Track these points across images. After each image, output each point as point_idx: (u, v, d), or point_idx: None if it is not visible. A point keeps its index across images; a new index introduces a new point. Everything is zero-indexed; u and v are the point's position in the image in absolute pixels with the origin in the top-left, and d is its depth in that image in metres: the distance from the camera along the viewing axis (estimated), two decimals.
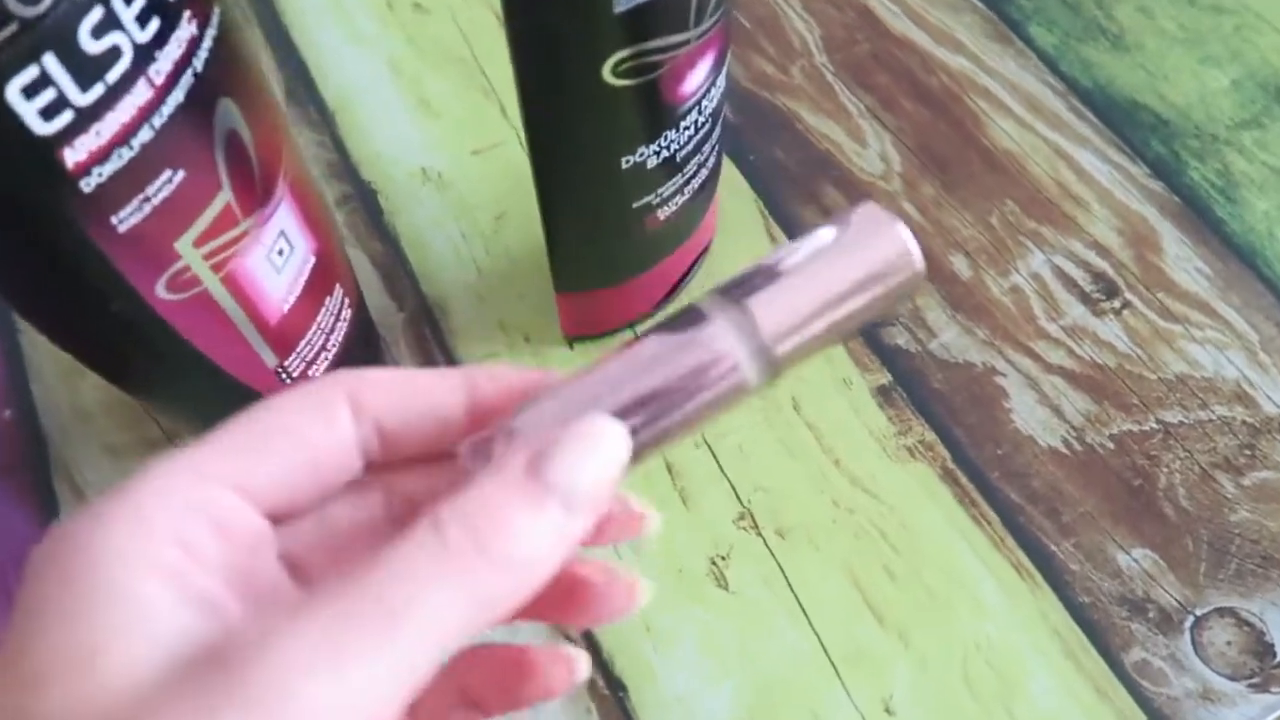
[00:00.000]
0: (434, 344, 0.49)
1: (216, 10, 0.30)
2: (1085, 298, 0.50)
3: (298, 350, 0.39)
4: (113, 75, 0.26)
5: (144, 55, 0.27)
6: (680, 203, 0.43)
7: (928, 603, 0.42)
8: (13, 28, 0.24)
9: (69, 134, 0.26)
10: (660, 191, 0.41)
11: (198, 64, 0.29)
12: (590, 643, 0.42)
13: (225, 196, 0.31)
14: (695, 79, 0.37)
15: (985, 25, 0.59)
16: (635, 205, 0.41)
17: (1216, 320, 0.49)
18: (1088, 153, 0.54)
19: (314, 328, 0.39)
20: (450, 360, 0.49)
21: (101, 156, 0.27)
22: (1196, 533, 0.43)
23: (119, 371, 0.37)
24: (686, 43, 0.35)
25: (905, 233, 0.23)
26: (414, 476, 0.24)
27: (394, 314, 0.50)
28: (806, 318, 0.22)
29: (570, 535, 0.20)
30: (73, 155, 0.26)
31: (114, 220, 0.28)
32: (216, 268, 0.33)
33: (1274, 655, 0.41)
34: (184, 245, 0.31)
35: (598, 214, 0.41)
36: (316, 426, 0.21)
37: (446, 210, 0.54)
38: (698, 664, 0.41)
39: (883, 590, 0.42)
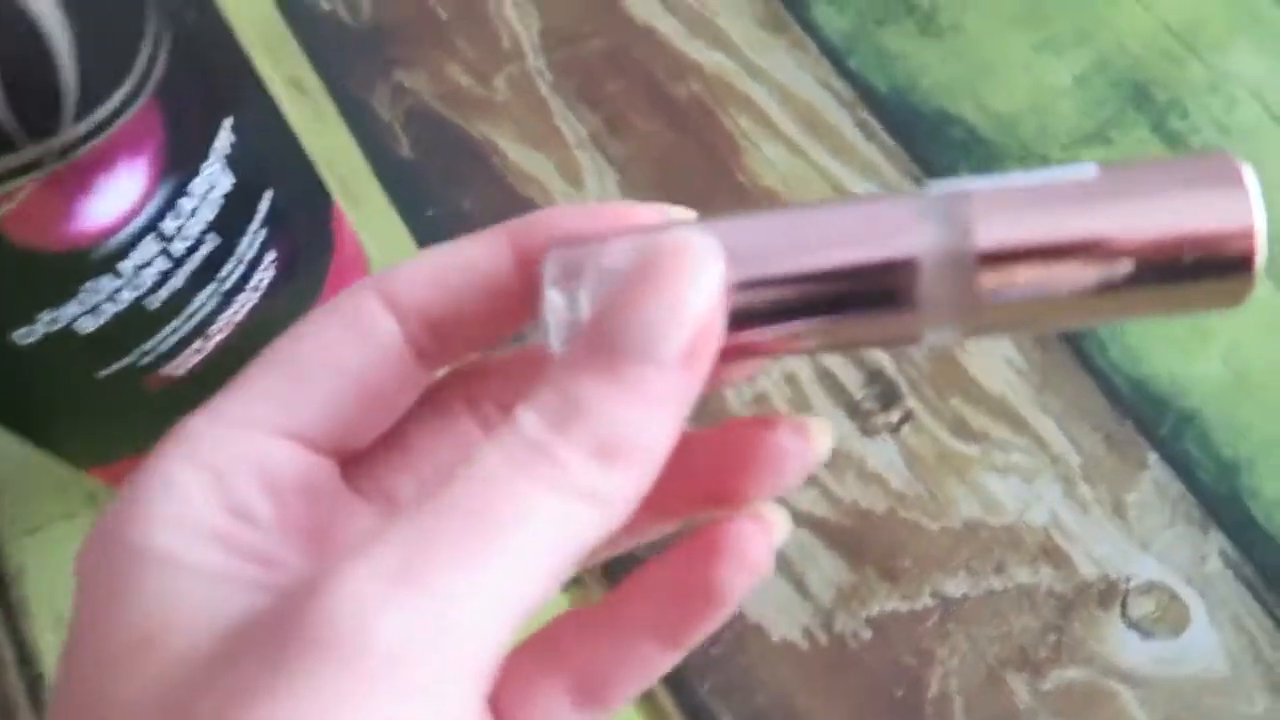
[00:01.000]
0: None
1: None
2: (853, 408, 0.37)
3: None
4: None
5: None
6: (208, 346, 0.29)
7: None
8: None
9: None
10: (146, 349, 0.27)
11: None
12: None
13: None
14: (107, 206, 0.23)
15: (757, 3, 0.45)
16: (108, 373, 0.27)
17: (1026, 435, 0.36)
18: (875, 186, 0.41)
19: None
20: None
21: None
22: None
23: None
24: (44, 163, 0.21)
25: (1254, 193, 0.15)
26: (490, 377, 0.22)
27: None
28: (1044, 249, 0.16)
29: (675, 394, 0.17)
30: None
31: None
32: None
33: None
34: None
35: (47, 395, 0.27)
36: (353, 345, 0.19)
37: None
38: None
39: None
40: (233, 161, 0.27)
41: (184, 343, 0.28)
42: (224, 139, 0.27)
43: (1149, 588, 0.34)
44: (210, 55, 0.27)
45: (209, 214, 0.27)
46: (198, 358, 0.29)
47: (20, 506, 0.37)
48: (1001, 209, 0.16)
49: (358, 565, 0.15)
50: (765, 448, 0.21)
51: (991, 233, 0.16)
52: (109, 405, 0.28)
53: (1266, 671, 0.32)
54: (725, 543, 0.20)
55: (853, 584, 0.34)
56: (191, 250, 0.27)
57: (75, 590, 0.17)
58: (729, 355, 0.17)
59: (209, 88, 0.26)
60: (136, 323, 0.26)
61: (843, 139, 0.42)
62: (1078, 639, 0.33)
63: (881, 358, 0.37)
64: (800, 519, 0.35)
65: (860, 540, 0.35)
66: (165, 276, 0.26)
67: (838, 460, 0.36)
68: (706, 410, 0.36)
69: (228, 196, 0.27)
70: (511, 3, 0.45)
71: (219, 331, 0.29)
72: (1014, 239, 0.16)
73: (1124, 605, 0.34)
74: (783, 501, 0.21)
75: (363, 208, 0.41)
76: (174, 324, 0.27)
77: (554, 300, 0.18)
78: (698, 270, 0.17)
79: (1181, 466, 0.36)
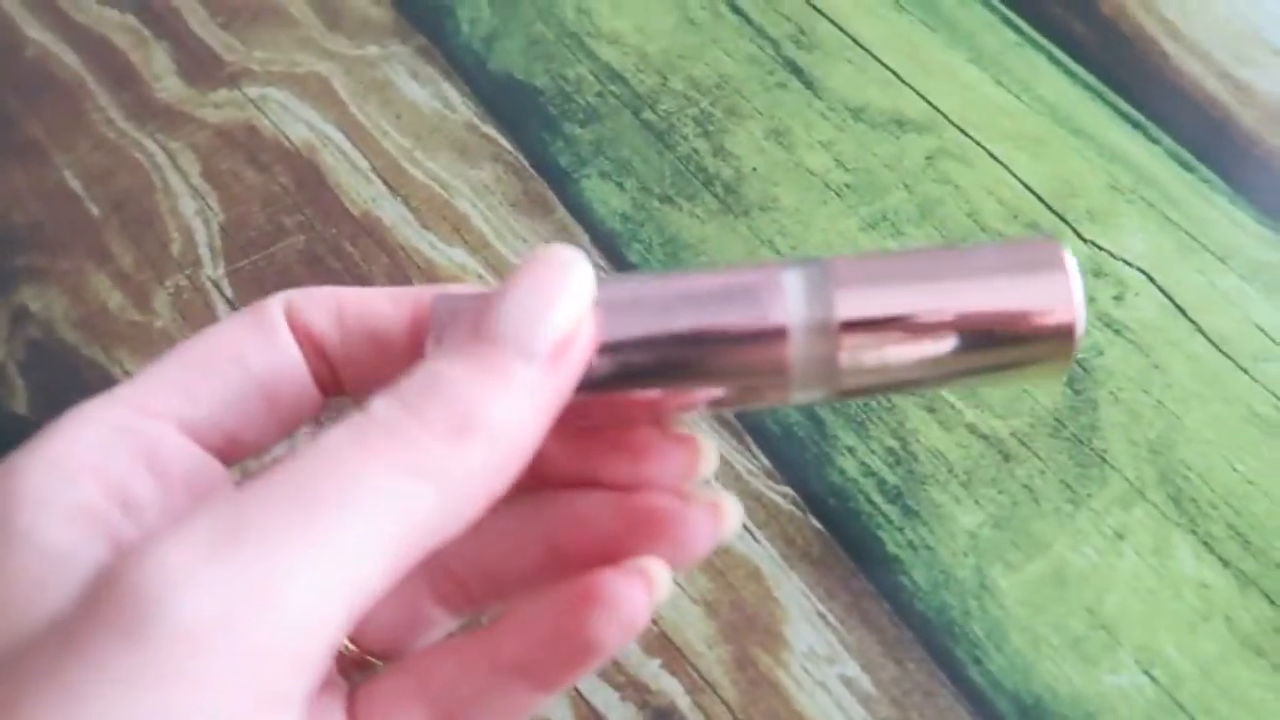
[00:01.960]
0: None
1: None
2: None
3: None
4: None
5: None
6: None
7: None
8: None
9: None
10: None
11: None
12: None
13: None
14: None
15: (511, 178, 0.34)
16: None
17: None
18: None
19: None
20: None
21: None
22: None
23: None
24: None
25: (1075, 275, 0.18)
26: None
27: None
28: (902, 319, 0.18)
29: (539, 389, 0.17)
30: None
31: None
32: None
33: None
34: None
35: None
36: (257, 347, 0.19)
37: None
38: None
39: None
40: None
41: None
42: None
43: None
44: None
45: None
46: None
47: None
48: (862, 282, 0.18)
49: (166, 539, 0.14)
50: (677, 522, 0.20)
51: (852, 304, 0.18)
52: None
53: None
54: (602, 594, 0.19)
55: None
56: None
57: None
58: (610, 411, 0.19)
59: None
60: None
61: None
62: None
63: (675, 690, 0.26)
64: None
65: None
66: None
67: None
68: None
69: None
70: (188, 192, 0.34)
71: None
72: (873, 310, 0.18)
73: None
74: None
75: None
76: None
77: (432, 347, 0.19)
78: (569, 272, 0.17)
79: None
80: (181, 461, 0.19)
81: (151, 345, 0.31)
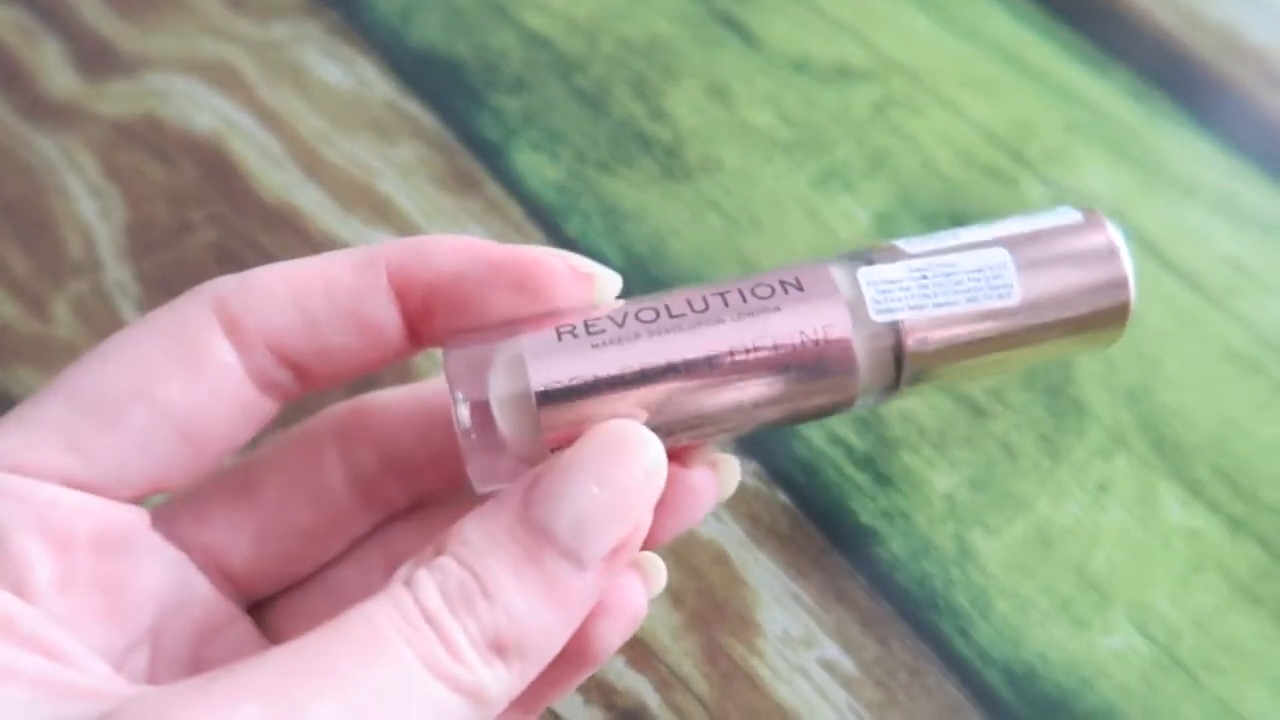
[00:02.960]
0: None
1: None
2: None
3: None
4: None
5: None
6: None
7: None
8: None
9: None
10: None
11: None
12: None
13: None
14: None
15: (436, 155, 0.32)
16: None
17: None
18: None
19: None
20: None
21: None
22: None
23: None
24: None
25: (1124, 251, 0.19)
26: (371, 420, 0.19)
27: None
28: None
29: (588, 595, 0.16)
30: None
31: None
32: None
33: None
34: None
35: None
36: (176, 375, 0.16)
37: None
38: None
39: None
40: None
41: None
42: None
43: None
44: None
45: None
46: None
47: None
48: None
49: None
50: (681, 487, 0.18)
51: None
52: None
53: None
54: (605, 597, 0.17)
55: None
56: None
57: None
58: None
59: None
60: None
61: None
62: None
63: (643, 689, 0.24)
64: None
65: None
66: None
67: None
68: None
69: None
70: (88, 192, 0.32)
71: None
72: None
73: None
74: None
75: None
76: None
77: (463, 419, 0.17)
78: (636, 464, 0.16)
79: None
80: (82, 522, 0.17)
81: (53, 358, 0.29)
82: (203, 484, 0.20)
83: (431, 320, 0.18)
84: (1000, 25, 0.35)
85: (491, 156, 0.32)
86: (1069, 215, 0.20)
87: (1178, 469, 0.27)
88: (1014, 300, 0.19)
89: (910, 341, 0.18)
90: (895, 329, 0.18)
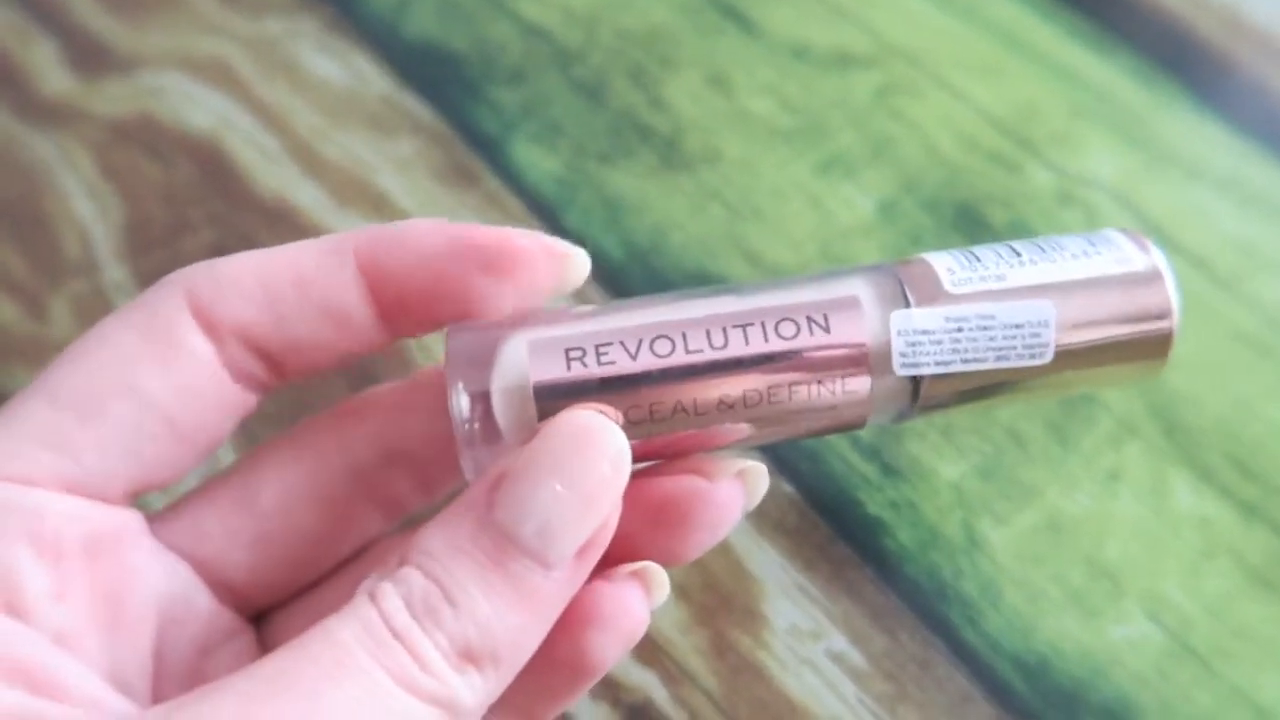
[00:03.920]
0: None
1: None
2: None
3: None
4: None
5: None
6: None
7: None
8: None
9: None
10: None
11: None
12: None
13: None
14: None
15: (434, 148, 0.32)
16: None
17: None
18: None
19: None
20: None
21: None
22: None
23: None
24: None
25: (1168, 275, 0.19)
26: (369, 414, 0.19)
27: None
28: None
29: (557, 597, 0.15)
30: None
31: None
32: None
33: None
34: None
35: None
36: (153, 368, 0.16)
37: None
38: None
39: None
40: None
41: None
42: None
43: None
44: None
45: None
46: None
47: None
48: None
49: None
50: (706, 503, 0.18)
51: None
52: None
53: None
54: (601, 607, 0.17)
55: None
56: None
57: None
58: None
59: None
60: None
61: None
62: None
63: (650, 684, 0.24)
64: None
65: None
66: None
67: None
68: None
69: None
70: (85, 192, 0.31)
71: None
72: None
73: None
74: None
75: None
76: None
77: (461, 409, 0.17)
78: (598, 456, 0.15)
79: None
80: (73, 529, 0.16)
81: (51, 359, 0.28)
82: (197, 492, 0.20)
83: (408, 309, 0.18)
84: (1002, 8, 0.35)
85: (490, 150, 0.32)
86: (1127, 255, 0.19)
87: (1189, 455, 0.27)
88: (1046, 360, 0.18)
89: (928, 392, 0.18)
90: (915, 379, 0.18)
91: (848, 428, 0.19)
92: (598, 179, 0.31)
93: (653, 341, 0.17)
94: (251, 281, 0.17)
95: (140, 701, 0.17)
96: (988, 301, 0.18)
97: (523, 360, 0.17)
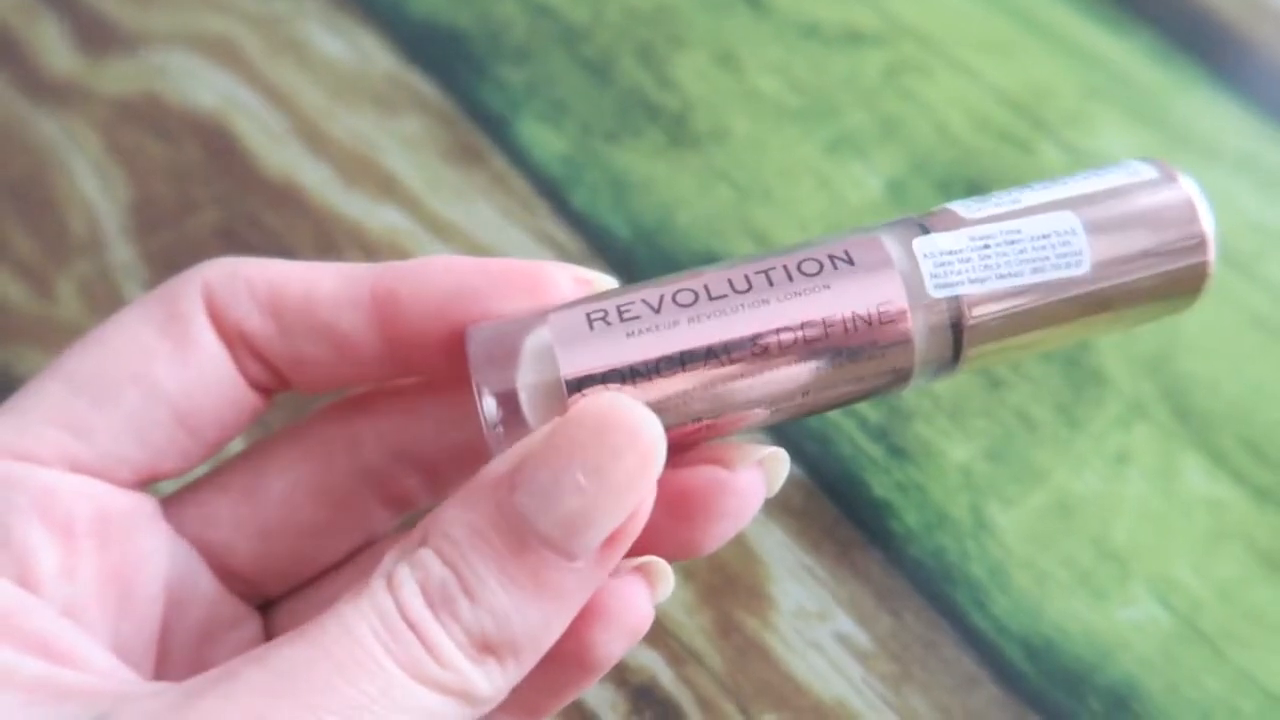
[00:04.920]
0: None
1: None
2: None
3: None
4: None
5: None
6: None
7: None
8: None
9: None
10: None
11: None
12: None
13: None
14: None
15: (440, 128, 0.32)
16: None
17: None
18: None
19: None
20: None
21: None
22: None
23: None
24: None
25: (1202, 208, 0.18)
26: (379, 409, 0.19)
27: None
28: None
29: (579, 590, 0.15)
30: None
31: None
32: None
33: None
34: None
35: None
36: (168, 360, 0.16)
37: None
38: None
39: None
40: None
41: None
42: None
43: None
44: None
45: None
46: None
47: None
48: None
49: None
50: (727, 492, 0.17)
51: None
52: None
53: None
54: (604, 602, 0.17)
55: None
56: None
57: None
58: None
59: None
60: None
61: None
62: None
63: (655, 664, 0.24)
64: None
65: None
66: None
67: None
68: None
69: None
70: (91, 171, 0.31)
71: None
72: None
73: None
74: None
75: None
76: None
77: (490, 412, 0.16)
78: (633, 458, 0.14)
79: None
80: (84, 508, 0.16)
81: (58, 338, 0.28)
82: (207, 479, 0.20)
83: (419, 342, 0.17)
84: None
85: (496, 128, 0.32)
86: (1139, 170, 0.18)
87: (1200, 438, 0.26)
88: (1084, 269, 0.17)
89: (970, 316, 0.17)
90: (955, 303, 0.17)
91: (893, 381, 0.17)
92: (605, 158, 0.31)
93: (675, 294, 0.17)
94: (265, 288, 0.17)
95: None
96: (1010, 220, 0.17)
97: (550, 355, 0.16)
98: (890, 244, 0.17)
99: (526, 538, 0.14)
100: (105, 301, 0.29)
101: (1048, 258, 0.17)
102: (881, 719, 0.23)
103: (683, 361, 0.16)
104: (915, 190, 0.30)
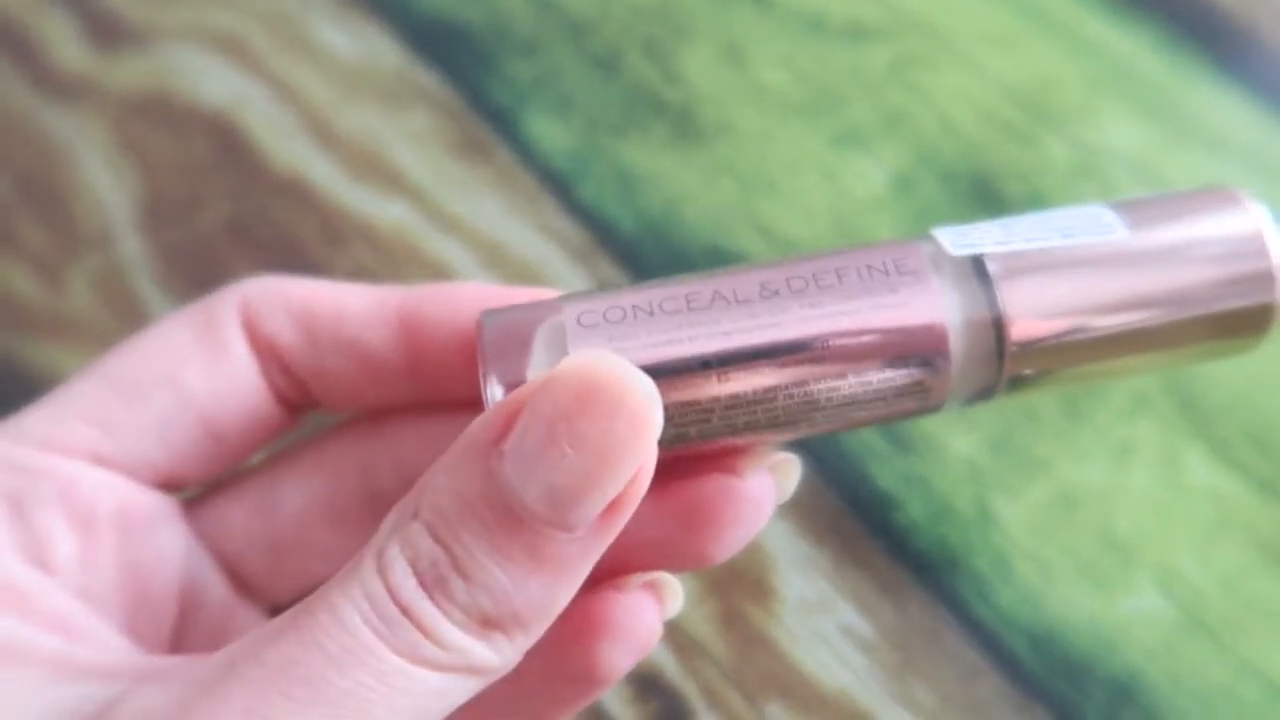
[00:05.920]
0: None
1: None
2: None
3: None
4: None
5: None
6: None
7: None
8: None
9: None
10: None
11: None
12: None
13: None
14: None
15: (447, 121, 0.32)
16: None
17: None
18: None
19: None
20: None
21: None
22: None
23: None
24: None
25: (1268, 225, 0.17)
26: (393, 432, 0.18)
27: None
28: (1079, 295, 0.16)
29: (578, 561, 0.14)
30: None
31: None
32: None
33: None
34: None
35: None
36: (200, 368, 0.17)
37: None
38: None
39: None
40: None
41: None
42: None
43: None
44: None
45: None
46: None
47: None
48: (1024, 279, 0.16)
49: None
50: (738, 501, 0.17)
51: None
52: None
53: None
54: (612, 618, 0.17)
55: None
56: None
57: None
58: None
59: None
60: None
61: None
62: None
63: (660, 655, 0.24)
64: None
65: None
66: None
67: None
68: None
69: None
70: (102, 166, 0.32)
71: None
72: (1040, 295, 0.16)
73: None
74: None
75: None
76: None
77: (496, 399, 0.15)
78: (621, 424, 0.13)
79: None
80: (106, 501, 0.17)
81: (68, 331, 0.29)
82: (222, 488, 0.20)
83: (443, 364, 0.18)
84: None
85: (503, 123, 0.32)
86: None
87: (1203, 430, 0.27)
88: (1120, 233, 0.17)
89: (1013, 332, 0.16)
90: (996, 320, 0.16)
91: (926, 400, 0.17)
92: (611, 152, 0.31)
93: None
94: (299, 303, 0.17)
95: None
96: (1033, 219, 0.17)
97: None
98: (925, 251, 0.17)
99: (516, 509, 0.14)
100: (115, 295, 0.29)
101: (1078, 225, 0.17)
102: (885, 709, 0.23)
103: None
104: (920, 183, 0.30)
